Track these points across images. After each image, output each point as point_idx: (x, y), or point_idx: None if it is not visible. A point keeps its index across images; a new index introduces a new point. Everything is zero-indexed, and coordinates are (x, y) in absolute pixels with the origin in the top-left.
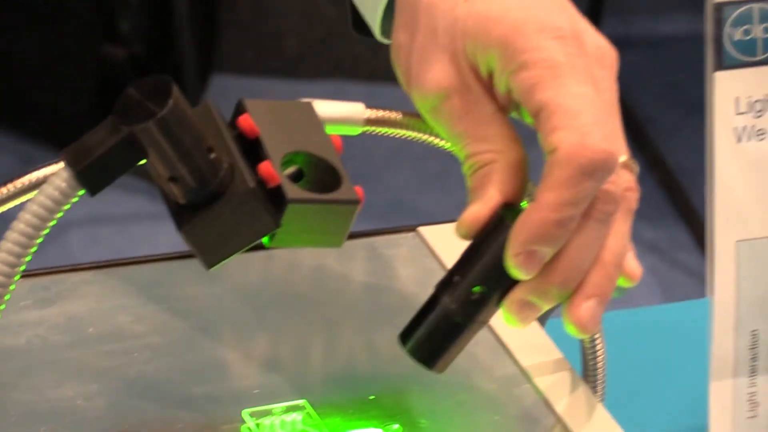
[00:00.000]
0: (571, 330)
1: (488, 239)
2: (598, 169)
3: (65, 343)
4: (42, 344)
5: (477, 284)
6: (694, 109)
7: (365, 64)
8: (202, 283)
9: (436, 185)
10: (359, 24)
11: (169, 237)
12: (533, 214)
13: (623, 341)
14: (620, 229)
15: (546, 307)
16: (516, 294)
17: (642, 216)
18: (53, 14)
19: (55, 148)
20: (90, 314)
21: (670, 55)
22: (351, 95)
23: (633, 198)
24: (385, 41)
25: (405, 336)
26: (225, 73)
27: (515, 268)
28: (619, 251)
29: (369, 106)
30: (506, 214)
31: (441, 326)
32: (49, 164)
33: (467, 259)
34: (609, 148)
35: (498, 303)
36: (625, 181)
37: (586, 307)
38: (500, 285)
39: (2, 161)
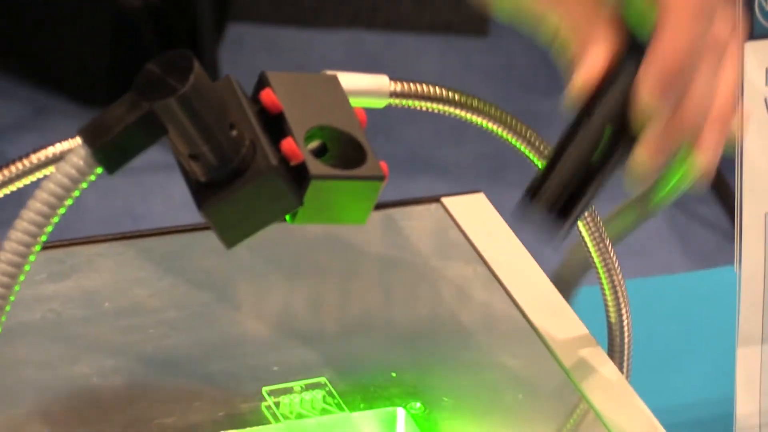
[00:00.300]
0: (693, 167)
1: (610, 85)
2: (708, 7)
3: (80, 318)
4: (57, 319)
5: (608, 122)
6: None
7: (383, 13)
8: (219, 255)
9: (453, 139)
10: None
11: (182, 189)
12: (662, 47)
13: (648, 310)
14: (729, 73)
15: (673, 152)
16: (649, 135)
17: None
18: None
19: (69, 98)
20: (105, 288)
21: None
22: (368, 44)
23: (735, 46)
24: None
25: (533, 192)
26: (241, 22)
27: (649, 100)
28: (733, 89)
29: (388, 58)
30: (623, 65)
31: (574, 172)
32: (66, 140)
33: (592, 102)
34: None
35: (628, 147)
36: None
37: (711, 138)
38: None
39: (17, 110)
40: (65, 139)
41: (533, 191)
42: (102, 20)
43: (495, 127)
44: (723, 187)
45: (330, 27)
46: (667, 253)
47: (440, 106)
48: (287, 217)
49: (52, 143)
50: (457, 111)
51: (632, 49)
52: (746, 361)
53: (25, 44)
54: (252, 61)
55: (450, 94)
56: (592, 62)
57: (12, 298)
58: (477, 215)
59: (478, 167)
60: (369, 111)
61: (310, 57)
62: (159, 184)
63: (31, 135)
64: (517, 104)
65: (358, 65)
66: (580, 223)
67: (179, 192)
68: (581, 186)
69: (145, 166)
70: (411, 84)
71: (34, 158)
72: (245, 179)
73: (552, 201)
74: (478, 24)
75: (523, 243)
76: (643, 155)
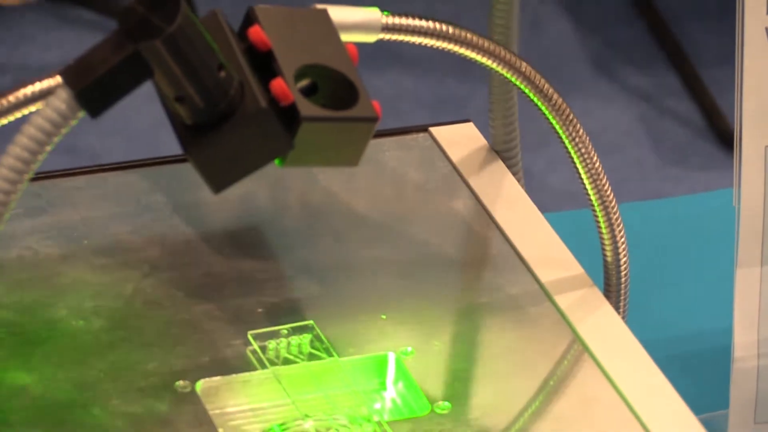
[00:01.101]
0: None
1: None
2: None
3: (58, 256)
4: (34, 258)
5: None
6: None
7: None
8: (201, 190)
9: None
10: None
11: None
12: None
13: (642, 235)
14: None
15: None
16: None
17: (630, 61)
18: None
19: None
20: (84, 224)
21: None
22: None
23: None
24: None
25: None
26: None
27: None
28: None
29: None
30: None
31: None
32: (46, 77)
33: None
34: None
35: None
36: None
37: None
38: None
39: None
40: (27, 34)
41: None
42: None
43: (488, 61)
44: (695, 81)
45: None
46: (639, 149)
47: (433, 41)
48: (277, 160)
49: (13, 39)
50: (451, 45)
51: None
52: (744, 296)
53: None
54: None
55: (443, 27)
56: None
57: None
58: (466, 145)
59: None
60: None
61: None
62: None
63: None
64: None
65: None
66: (573, 154)
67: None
68: None
69: None
70: (404, 17)
71: (12, 97)
72: (234, 122)
73: None
74: None
75: None
76: None
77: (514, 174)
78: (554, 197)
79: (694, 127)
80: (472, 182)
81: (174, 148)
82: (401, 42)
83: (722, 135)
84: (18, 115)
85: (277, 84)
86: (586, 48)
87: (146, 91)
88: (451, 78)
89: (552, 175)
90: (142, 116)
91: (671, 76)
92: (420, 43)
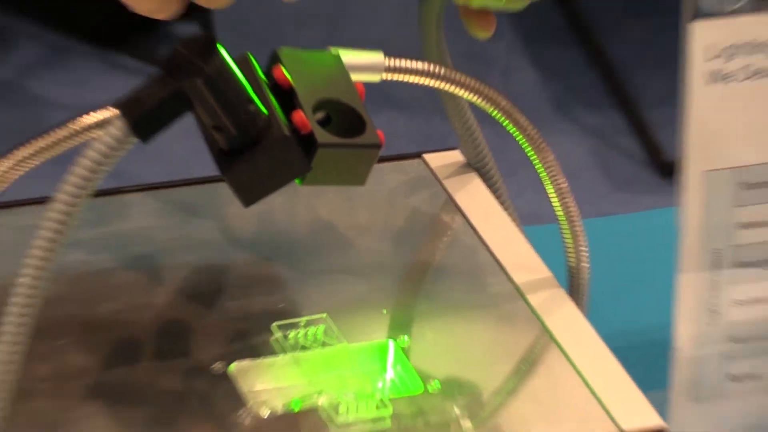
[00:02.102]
0: None
1: None
2: None
3: (112, 259)
4: (92, 260)
5: None
6: (639, 15)
7: None
8: (233, 206)
9: None
10: None
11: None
12: None
13: (598, 246)
14: None
15: None
16: None
17: (585, 104)
18: None
19: (85, 40)
20: (135, 233)
21: None
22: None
23: None
24: None
25: None
26: None
27: None
28: None
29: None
30: None
31: None
32: (101, 110)
33: None
34: None
35: None
36: None
37: None
38: None
39: (40, 50)
40: (83, 77)
41: None
42: None
43: (473, 97)
44: (639, 121)
45: None
46: (593, 177)
47: (427, 80)
48: (297, 180)
49: (71, 82)
50: (442, 84)
51: None
52: (685, 298)
53: None
54: (239, 8)
55: (435, 68)
56: None
57: (57, 251)
58: (453, 170)
59: (431, 102)
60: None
61: (287, 5)
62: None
63: (51, 72)
64: (459, 46)
65: (329, 14)
66: (543, 176)
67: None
68: None
69: None
70: (403, 60)
71: (75, 126)
72: (262, 148)
73: None
74: None
75: None
76: None
77: (496, 192)
78: (522, 217)
79: (638, 159)
80: (458, 199)
81: (207, 171)
82: (394, 86)
83: (661, 166)
84: (78, 141)
85: (298, 116)
86: (548, 92)
87: (182, 125)
88: (436, 117)
89: (520, 199)
90: (179, 146)
91: (619, 116)
92: (416, 83)
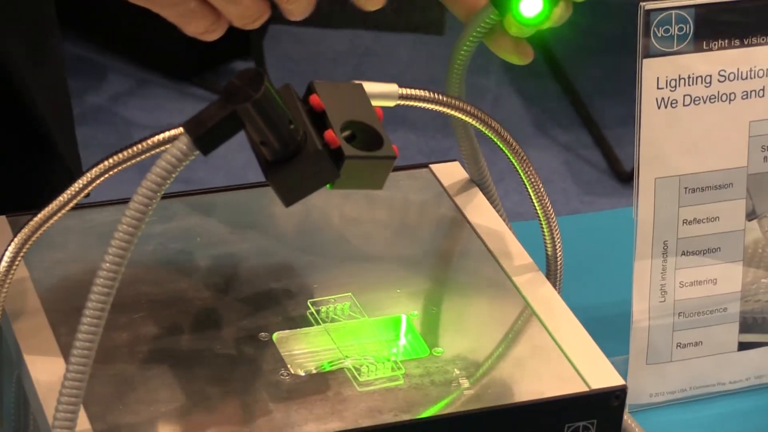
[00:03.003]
0: None
1: None
2: None
3: (180, 249)
4: (162, 250)
5: None
6: (601, 55)
7: (372, 17)
8: (277, 206)
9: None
10: None
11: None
12: None
13: (569, 238)
14: None
15: None
16: None
17: (558, 126)
18: None
19: (162, 74)
20: (198, 227)
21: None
22: (363, 39)
23: None
24: None
25: None
26: (278, 23)
27: None
28: None
29: (376, 49)
30: None
31: None
32: (169, 129)
33: None
34: None
35: None
36: None
37: None
38: None
39: (127, 81)
40: (161, 103)
41: None
42: None
43: (470, 119)
44: (601, 138)
45: (337, 27)
46: (565, 182)
47: (433, 106)
48: (328, 185)
49: (151, 107)
50: (444, 109)
51: None
52: (640, 281)
53: (133, 34)
54: (285, 50)
55: (440, 96)
56: None
57: (134, 244)
58: (453, 177)
59: (436, 121)
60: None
61: (323, 47)
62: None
63: (136, 100)
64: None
65: (356, 53)
66: (525, 182)
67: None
68: None
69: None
70: (413, 90)
71: (149, 141)
72: (299, 159)
73: None
74: (437, 26)
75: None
76: None
77: (489, 197)
78: (508, 214)
79: (600, 168)
80: (458, 201)
81: (258, 178)
82: (409, 109)
83: (619, 174)
84: (151, 154)
85: (328, 134)
86: (529, 115)
87: (239, 141)
88: (439, 134)
89: (506, 200)
90: (237, 158)
91: (585, 134)
92: (424, 107)
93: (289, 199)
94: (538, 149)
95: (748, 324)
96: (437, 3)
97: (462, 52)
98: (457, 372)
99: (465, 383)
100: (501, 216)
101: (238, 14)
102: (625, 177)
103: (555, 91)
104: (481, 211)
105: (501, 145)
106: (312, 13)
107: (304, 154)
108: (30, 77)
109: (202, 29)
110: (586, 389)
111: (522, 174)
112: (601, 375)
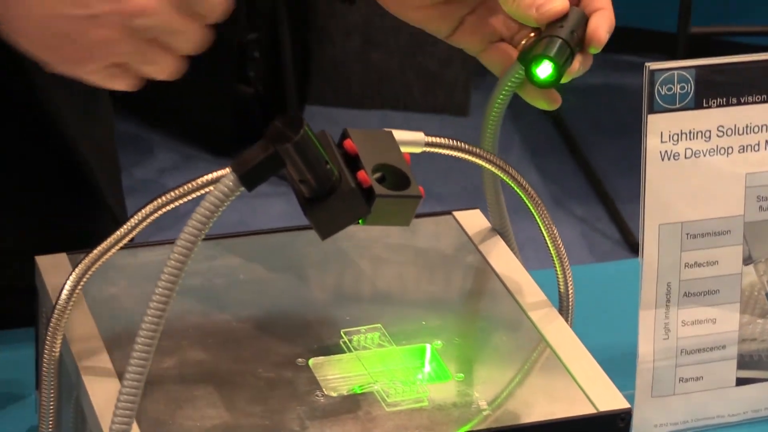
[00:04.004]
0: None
1: (568, 16)
2: None
3: (224, 284)
4: (209, 284)
5: (572, 29)
6: (615, 136)
7: (402, 99)
8: (314, 247)
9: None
10: None
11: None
12: (607, 15)
13: (584, 288)
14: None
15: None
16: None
17: (575, 200)
18: (208, 66)
19: (206, 151)
20: (241, 265)
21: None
22: (393, 119)
23: None
24: None
25: (524, 54)
26: (314, 105)
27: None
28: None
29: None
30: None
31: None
32: (216, 171)
33: (558, 23)
34: None
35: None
36: None
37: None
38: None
39: (173, 157)
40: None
41: (522, 55)
42: (227, 100)
43: (492, 168)
44: (615, 212)
45: (368, 108)
46: (580, 252)
47: (457, 153)
48: (360, 220)
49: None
50: (468, 156)
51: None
52: (646, 322)
53: (179, 117)
54: (321, 129)
55: (464, 145)
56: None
57: (182, 276)
58: (475, 224)
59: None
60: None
61: (356, 127)
62: (261, 205)
63: (181, 174)
64: None
65: (385, 101)
66: (541, 225)
67: (279, 210)
68: (567, 59)
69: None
70: (438, 138)
71: (194, 183)
72: (335, 197)
73: (553, 55)
74: (462, 107)
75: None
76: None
77: (508, 243)
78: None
79: (614, 239)
80: (480, 247)
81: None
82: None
83: (632, 246)
84: (200, 193)
85: (361, 174)
86: (547, 191)
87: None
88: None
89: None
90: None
91: (600, 208)
92: (449, 155)
93: (325, 233)
94: (555, 222)
95: (745, 361)
96: (462, 86)
97: (496, 105)
98: (477, 395)
99: (484, 405)
100: (519, 261)
101: (155, 72)
102: (637, 248)
103: (572, 169)
104: (500, 255)
105: (519, 192)
106: (346, 96)
107: (339, 192)
108: (79, 130)
109: (125, 88)
110: (594, 411)
111: (537, 216)
112: (608, 399)
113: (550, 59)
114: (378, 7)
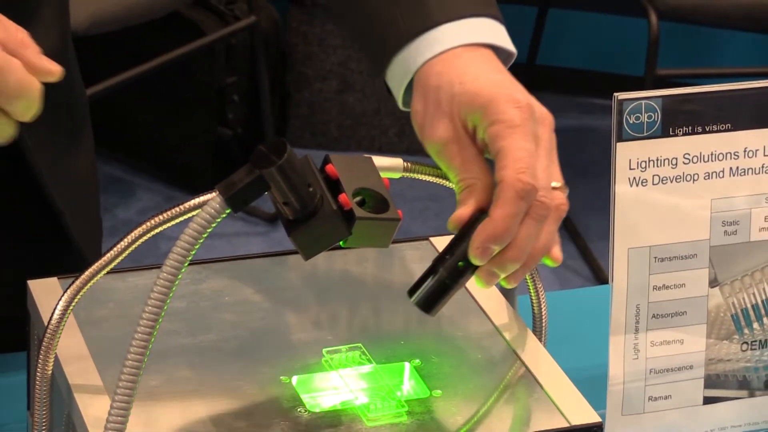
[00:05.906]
0: (503, 283)
1: (468, 231)
2: (526, 194)
3: (210, 306)
4: (195, 306)
5: (460, 261)
6: (587, 176)
7: (377, 141)
8: (296, 272)
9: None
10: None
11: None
12: (487, 224)
13: (556, 313)
14: (550, 228)
15: (503, 275)
16: (485, 266)
17: None
18: (189, 110)
19: (187, 191)
20: (226, 288)
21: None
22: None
23: (563, 209)
24: (405, 109)
25: (412, 292)
26: (292, 146)
27: (475, 258)
28: (547, 242)
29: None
30: (480, 216)
31: (436, 287)
32: (204, 194)
33: (454, 244)
34: (533, 182)
35: (473, 272)
36: (557, 197)
37: (520, 274)
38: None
39: (155, 198)
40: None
41: (411, 292)
42: (208, 142)
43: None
44: (586, 250)
45: (345, 150)
46: (552, 288)
47: (431, 178)
48: (341, 242)
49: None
50: (443, 181)
51: (481, 214)
52: (616, 342)
53: (159, 158)
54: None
55: (436, 169)
56: (460, 213)
57: (170, 297)
58: None
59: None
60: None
61: None
62: (241, 243)
63: None
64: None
65: (367, 131)
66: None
67: (257, 246)
68: (439, 295)
69: (234, 233)
70: (416, 164)
71: (182, 207)
72: (317, 219)
73: (421, 301)
74: None
75: None
76: (480, 275)
77: None
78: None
79: (584, 275)
80: None
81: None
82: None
83: (602, 282)
84: (186, 217)
85: (342, 197)
86: None
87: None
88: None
89: None
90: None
91: (571, 247)
92: (426, 180)
93: (307, 254)
94: None
95: (712, 380)
96: None
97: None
98: (454, 411)
99: (460, 420)
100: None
101: None
102: (606, 283)
103: None
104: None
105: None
106: (323, 137)
107: (321, 214)
108: (54, 175)
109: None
110: (567, 425)
111: None
112: (580, 413)
113: (418, 305)
114: (354, 51)
